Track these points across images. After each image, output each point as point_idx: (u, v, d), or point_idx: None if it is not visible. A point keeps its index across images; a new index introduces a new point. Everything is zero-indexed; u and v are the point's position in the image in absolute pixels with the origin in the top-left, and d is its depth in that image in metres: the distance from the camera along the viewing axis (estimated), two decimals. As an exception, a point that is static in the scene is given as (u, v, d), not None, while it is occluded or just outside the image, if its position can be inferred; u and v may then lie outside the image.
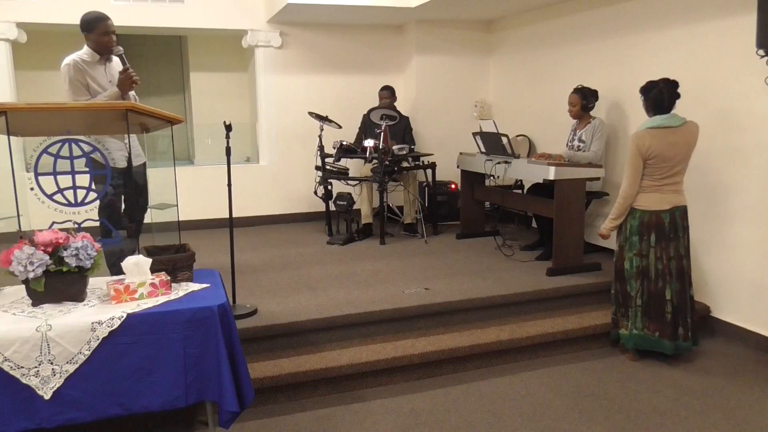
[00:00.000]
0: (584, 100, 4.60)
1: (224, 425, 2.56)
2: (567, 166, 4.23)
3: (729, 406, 3.05)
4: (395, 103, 6.00)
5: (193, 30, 6.31)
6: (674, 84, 3.40)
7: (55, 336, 2.27)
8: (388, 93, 5.93)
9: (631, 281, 3.52)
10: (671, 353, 3.49)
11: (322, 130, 5.54)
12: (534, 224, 5.64)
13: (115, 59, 3.73)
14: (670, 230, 3.42)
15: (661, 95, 3.39)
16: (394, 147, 5.37)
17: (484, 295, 3.85)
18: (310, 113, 5.49)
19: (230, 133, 3.39)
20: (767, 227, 3.61)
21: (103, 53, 3.67)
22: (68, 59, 3.59)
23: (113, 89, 3.64)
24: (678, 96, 3.42)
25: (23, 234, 2.63)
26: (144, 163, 3.89)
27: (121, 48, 3.67)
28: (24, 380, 2.25)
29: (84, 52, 3.65)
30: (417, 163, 5.78)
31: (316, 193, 5.73)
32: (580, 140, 4.66)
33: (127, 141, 3.51)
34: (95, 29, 3.60)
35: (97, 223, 2.95)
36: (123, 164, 3.60)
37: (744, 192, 3.73)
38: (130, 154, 3.52)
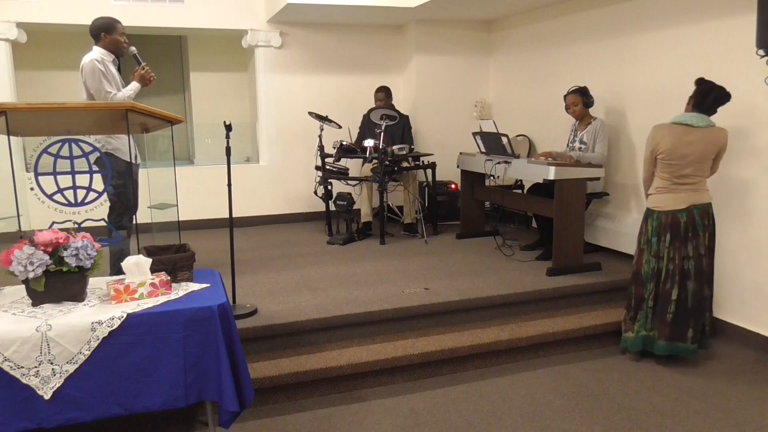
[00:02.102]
0: (584, 97, 4.60)
1: (224, 425, 2.56)
2: (572, 165, 4.23)
3: (729, 406, 3.05)
4: (392, 103, 5.99)
5: (193, 30, 6.31)
6: (725, 91, 3.34)
7: (55, 336, 2.27)
8: (383, 95, 5.91)
9: (648, 284, 3.49)
10: (661, 354, 3.47)
11: (322, 130, 5.54)
12: (534, 224, 5.64)
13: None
14: (687, 229, 3.38)
15: (709, 91, 3.34)
16: (394, 147, 5.37)
17: (484, 295, 3.85)
18: (310, 113, 5.49)
19: (230, 133, 3.39)
20: (767, 227, 3.62)
21: (118, 53, 3.81)
22: (93, 56, 3.66)
23: (135, 84, 3.76)
24: (721, 103, 3.35)
25: (23, 234, 2.63)
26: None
27: (134, 48, 3.82)
28: (24, 380, 2.25)
29: (100, 52, 3.72)
30: (417, 163, 5.78)
31: (316, 193, 5.73)
32: (581, 142, 4.66)
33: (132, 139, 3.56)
34: (116, 30, 3.76)
35: (97, 223, 2.95)
36: (134, 159, 3.70)
37: (744, 193, 3.73)
38: (131, 153, 3.54)
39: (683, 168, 3.35)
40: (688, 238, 3.40)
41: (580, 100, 4.61)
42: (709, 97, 3.35)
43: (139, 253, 2.80)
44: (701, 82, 3.38)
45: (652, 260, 3.47)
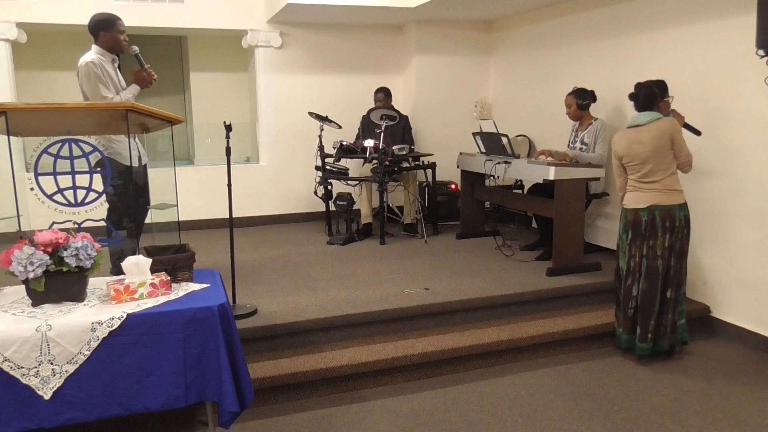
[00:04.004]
0: (579, 99, 4.60)
1: (224, 425, 2.56)
2: (571, 166, 4.23)
3: (729, 406, 3.05)
4: (392, 104, 5.99)
5: (193, 30, 6.31)
6: (650, 85, 3.46)
7: (55, 336, 2.27)
8: (382, 95, 5.90)
9: (617, 280, 3.64)
10: (624, 347, 3.58)
11: (322, 130, 5.54)
12: (534, 224, 5.64)
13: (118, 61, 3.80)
14: (646, 229, 3.45)
15: (633, 97, 3.51)
16: (395, 147, 5.37)
17: (484, 295, 3.84)
18: (310, 113, 5.49)
19: (230, 133, 3.39)
20: (767, 227, 3.62)
21: (117, 51, 3.70)
22: (89, 58, 3.54)
23: (135, 87, 3.67)
24: (655, 94, 3.45)
25: (23, 234, 2.64)
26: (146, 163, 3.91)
27: (136, 47, 3.69)
28: (24, 380, 2.25)
29: (98, 52, 3.62)
30: (417, 163, 5.78)
31: (316, 193, 5.73)
32: (582, 142, 4.66)
33: (136, 140, 3.53)
34: (114, 27, 3.63)
35: (97, 223, 2.95)
36: (136, 163, 3.60)
37: (743, 192, 3.73)
38: (131, 155, 3.53)
39: (643, 167, 3.43)
40: (646, 237, 3.46)
41: (575, 102, 4.62)
42: (639, 98, 3.48)
43: (138, 253, 2.81)
44: (634, 87, 3.52)
45: (621, 257, 3.60)
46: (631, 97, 3.53)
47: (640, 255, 3.48)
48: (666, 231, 3.42)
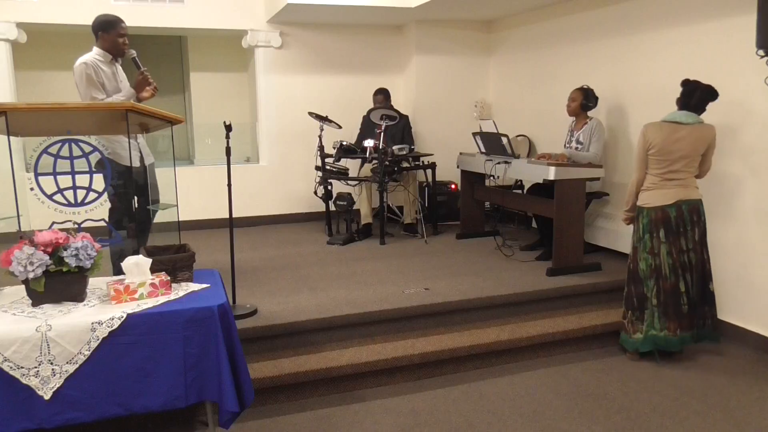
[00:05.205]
0: (585, 99, 4.59)
1: (224, 425, 2.57)
2: (567, 166, 4.23)
3: (729, 406, 3.05)
4: (391, 105, 5.99)
5: (193, 30, 6.31)
6: (706, 88, 3.41)
7: (55, 336, 2.27)
8: (382, 97, 5.91)
9: (647, 282, 3.52)
10: (696, 342, 3.56)
11: (322, 130, 5.54)
12: (534, 224, 5.64)
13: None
14: (677, 224, 3.44)
15: (692, 90, 3.42)
16: (395, 147, 5.37)
17: (484, 295, 3.84)
18: (310, 113, 5.49)
19: (230, 133, 3.39)
20: (767, 227, 3.62)
21: (116, 54, 3.69)
22: (84, 59, 3.55)
23: (130, 90, 3.65)
24: (708, 100, 3.42)
25: (23, 234, 2.63)
26: (153, 163, 3.90)
27: (134, 51, 3.69)
28: (24, 380, 2.25)
29: (96, 53, 3.62)
30: (417, 163, 5.78)
31: (316, 193, 5.73)
32: (577, 141, 4.66)
33: (136, 140, 3.52)
34: (114, 30, 3.63)
35: (97, 223, 2.94)
36: (137, 163, 3.58)
37: (744, 192, 3.74)
38: (131, 152, 3.52)
39: (672, 164, 3.41)
40: (680, 232, 3.45)
41: (581, 97, 4.61)
42: (693, 97, 3.42)
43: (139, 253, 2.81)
44: (686, 83, 3.46)
45: (648, 257, 3.51)
46: (685, 91, 3.42)
47: (677, 250, 3.45)
48: (695, 224, 3.46)
